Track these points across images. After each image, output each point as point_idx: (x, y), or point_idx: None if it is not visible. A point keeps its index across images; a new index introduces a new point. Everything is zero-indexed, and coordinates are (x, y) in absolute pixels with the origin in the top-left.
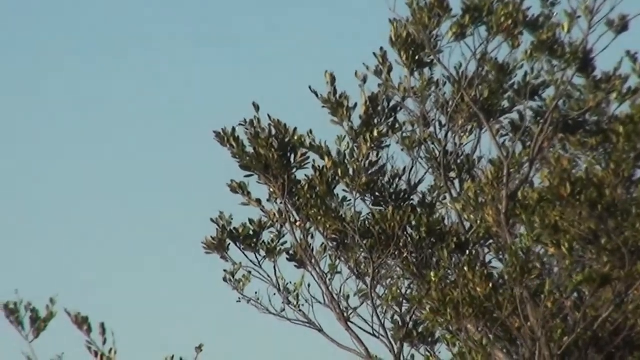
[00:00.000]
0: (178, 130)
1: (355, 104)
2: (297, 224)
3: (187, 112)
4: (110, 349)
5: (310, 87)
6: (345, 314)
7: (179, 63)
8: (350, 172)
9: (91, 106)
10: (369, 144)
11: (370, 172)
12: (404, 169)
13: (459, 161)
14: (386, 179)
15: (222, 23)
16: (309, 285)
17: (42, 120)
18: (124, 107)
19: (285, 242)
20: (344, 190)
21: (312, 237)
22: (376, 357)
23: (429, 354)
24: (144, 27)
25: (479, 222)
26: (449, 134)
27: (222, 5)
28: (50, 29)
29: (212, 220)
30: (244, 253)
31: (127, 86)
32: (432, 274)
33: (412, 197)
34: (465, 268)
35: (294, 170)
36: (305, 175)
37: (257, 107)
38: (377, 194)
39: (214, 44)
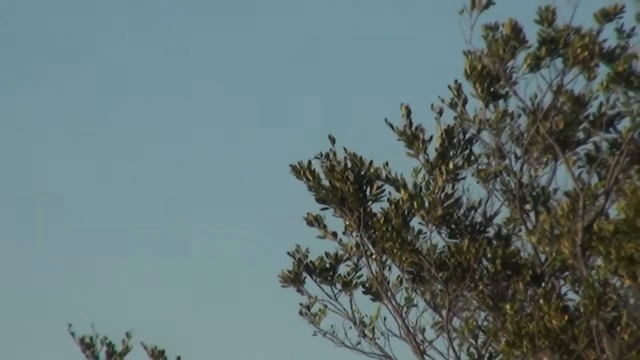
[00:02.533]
0: (255, 164)
1: (431, 137)
2: (373, 256)
3: (263, 144)
4: None
5: (386, 120)
6: (421, 347)
7: (258, 94)
8: (426, 204)
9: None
10: (444, 177)
11: (445, 204)
12: (480, 201)
13: (534, 193)
14: (462, 211)
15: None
16: (384, 318)
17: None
18: (200, 141)
19: (361, 275)
20: (419, 222)
21: (389, 269)
22: None
23: None
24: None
25: (554, 254)
26: (524, 166)
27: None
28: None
29: (288, 253)
30: (320, 286)
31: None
32: (508, 306)
33: (487, 230)
34: (541, 300)
35: (370, 203)
36: (381, 208)
37: (332, 140)
38: (452, 226)
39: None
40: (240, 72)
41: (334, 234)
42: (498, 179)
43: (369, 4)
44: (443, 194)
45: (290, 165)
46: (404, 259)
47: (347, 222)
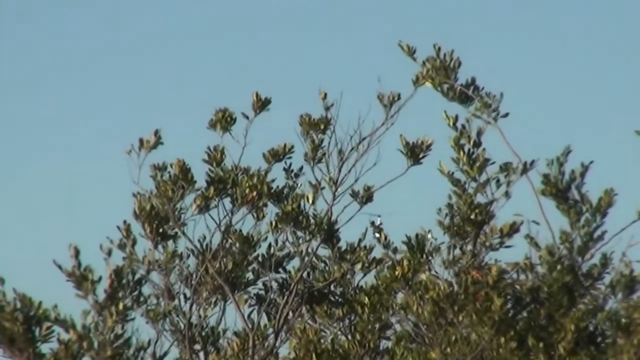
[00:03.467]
0: None
1: (100, 278)
2: None
3: None
4: None
5: (54, 261)
6: None
7: None
8: (96, 345)
9: None
10: (114, 317)
11: (115, 345)
12: (149, 341)
13: (203, 333)
14: (131, 351)
15: None
16: None
17: None
18: None
19: None
20: None
21: None
22: None
23: None
24: None
25: None
26: (194, 306)
27: None
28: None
29: None
30: None
31: None
32: None
33: None
34: None
35: (39, 343)
36: (51, 349)
37: (2, 281)
38: None
39: None
40: None
41: None
42: (167, 319)
43: None
44: (113, 335)
45: None
46: None
47: None
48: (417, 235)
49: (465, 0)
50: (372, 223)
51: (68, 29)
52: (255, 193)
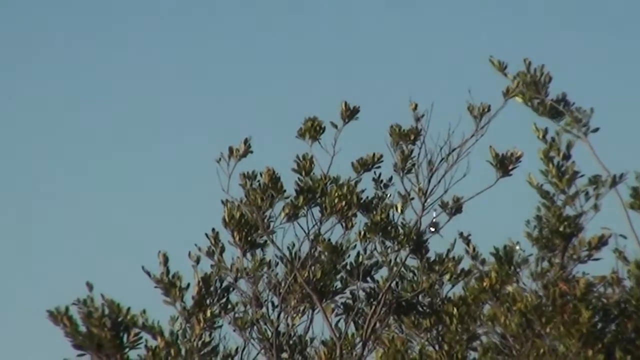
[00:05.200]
0: (8, 311)
1: (188, 285)
2: None
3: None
4: None
5: (143, 268)
6: None
7: None
8: (183, 352)
9: None
10: (201, 325)
11: (202, 352)
12: (237, 349)
13: (291, 342)
14: (219, 359)
15: None
16: None
17: None
18: None
19: None
20: None
21: None
22: None
23: None
24: None
25: None
26: (282, 315)
27: None
28: None
29: None
30: None
31: None
32: None
33: None
34: None
35: (127, 350)
36: (139, 356)
37: (90, 287)
38: None
39: None
40: None
41: None
42: (255, 327)
43: None
44: (200, 342)
45: (48, 311)
46: None
47: None
48: (505, 246)
49: (556, 15)
50: (461, 234)
51: (155, 38)
52: (344, 203)
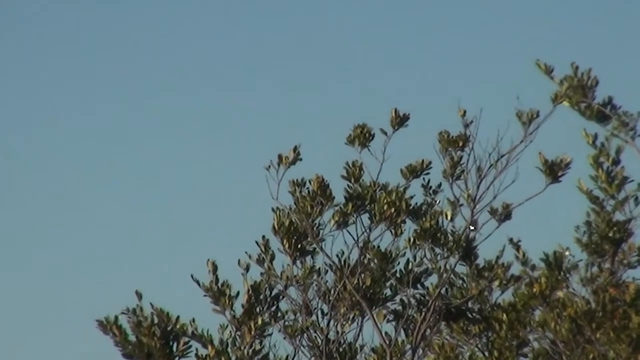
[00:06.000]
0: (59, 320)
1: (238, 293)
2: None
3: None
4: None
5: (192, 276)
6: None
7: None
8: None
9: None
10: (252, 333)
11: None
12: (287, 357)
13: (341, 349)
14: None
15: None
16: None
17: None
18: None
19: None
20: None
21: None
22: None
23: None
24: None
25: None
26: (331, 322)
27: None
28: None
29: None
30: None
31: None
32: None
33: None
34: None
35: (177, 358)
36: None
37: (139, 296)
38: None
39: None
40: None
41: None
42: (305, 335)
43: None
44: (250, 350)
45: (97, 321)
46: None
47: None
48: (554, 252)
49: (602, 19)
50: (510, 240)
51: (211, 38)
52: (393, 209)
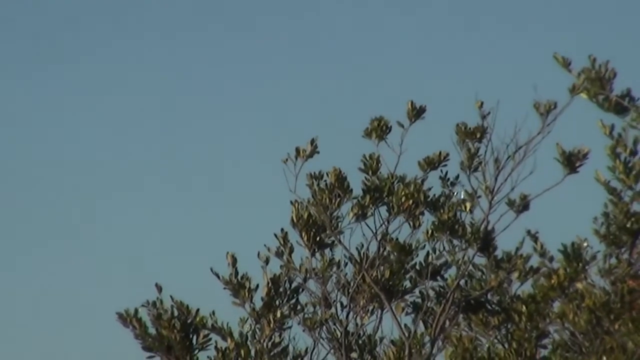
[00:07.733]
0: (80, 313)
1: (257, 286)
2: None
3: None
4: None
5: (211, 269)
6: None
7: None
8: (253, 353)
9: None
10: (271, 325)
11: (272, 353)
12: (306, 349)
13: (360, 342)
14: (289, 359)
15: None
16: None
17: None
18: None
19: None
20: None
21: None
22: None
23: None
24: None
25: None
26: (351, 315)
27: None
28: None
29: None
30: None
31: None
32: None
33: None
34: None
35: (197, 351)
36: (208, 357)
37: (159, 289)
38: None
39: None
40: None
41: None
42: (324, 328)
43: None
44: (270, 343)
45: (117, 313)
46: None
47: None
48: (573, 244)
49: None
50: (529, 232)
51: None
52: (411, 202)
